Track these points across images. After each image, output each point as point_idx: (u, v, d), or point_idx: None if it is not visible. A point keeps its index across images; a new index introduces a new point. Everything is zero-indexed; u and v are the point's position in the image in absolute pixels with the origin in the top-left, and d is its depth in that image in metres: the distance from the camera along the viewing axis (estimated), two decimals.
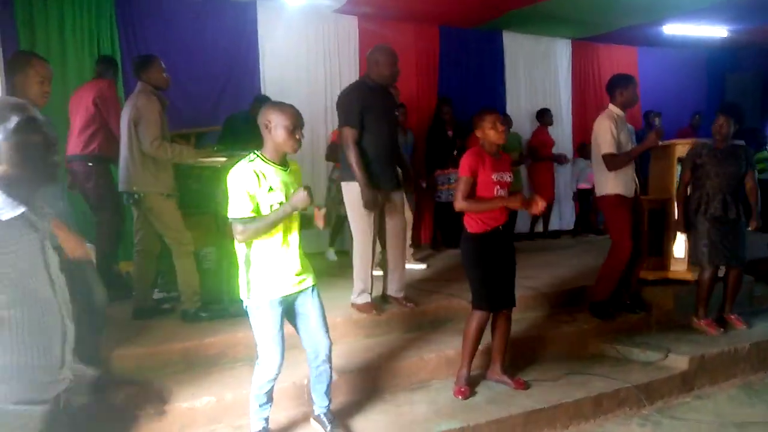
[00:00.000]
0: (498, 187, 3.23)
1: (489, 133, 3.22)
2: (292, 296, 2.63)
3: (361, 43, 6.59)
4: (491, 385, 3.46)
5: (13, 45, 4.68)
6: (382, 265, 4.16)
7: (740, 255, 4.27)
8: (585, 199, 7.80)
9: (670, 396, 3.64)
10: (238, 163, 2.54)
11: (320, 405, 2.86)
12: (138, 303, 3.97)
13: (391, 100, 4.09)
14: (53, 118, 3.02)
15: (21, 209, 1.38)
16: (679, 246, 4.64)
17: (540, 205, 3.16)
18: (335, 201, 5.25)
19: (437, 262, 5.88)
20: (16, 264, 1.34)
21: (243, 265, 2.57)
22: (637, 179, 4.21)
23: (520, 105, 7.86)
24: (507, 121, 6.71)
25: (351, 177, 3.80)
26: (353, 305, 3.95)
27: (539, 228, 7.63)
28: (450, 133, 6.46)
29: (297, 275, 2.62)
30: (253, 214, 2.47)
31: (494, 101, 7.34)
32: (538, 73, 8.08)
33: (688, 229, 4.29)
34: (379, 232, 4.00)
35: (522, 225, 7.44)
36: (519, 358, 3.80)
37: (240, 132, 5.02)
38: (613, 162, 4.03)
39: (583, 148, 7.79)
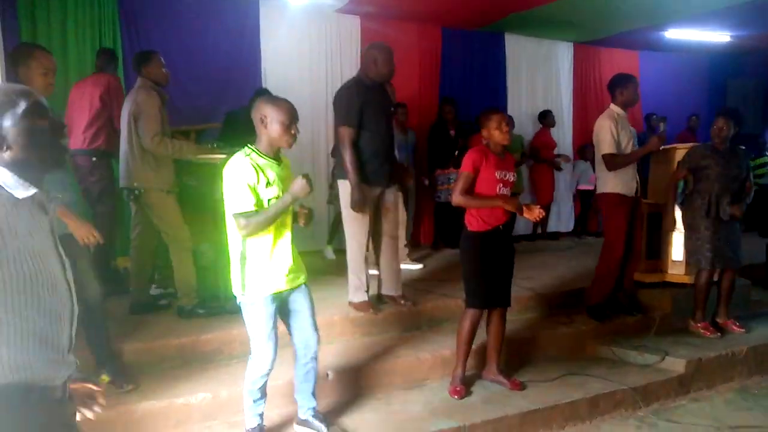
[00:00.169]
0: (501, 185, 3.23)
1: (494, 133, 3.22)
2: (285, 292, 2.62)
3: (363, 42, 6.58)
4: (487, 385, 3.46)
5: (14, 39, 4.67)
6: (377, 263, 4.16)
7: (739, 256, 4.28)
8: (586, 200, 7.80)
9: (666, 399, 3.65)
10: (234, 157, 2.52)
11: (308, 407, 2.83)
12: (135, 298, 3.98)
13: (387, 97, 4.10)
14: (54, 110, 3.01)
15: (33, 190, 1.41)
16: (677, 249, 4.64)
17: (536, 213, 3.17)
18: (338, 198, 5.24)
19: (435, 262, 5.88)
20: (28, 243, 1.36)
21: (237, 261, 2.55)
22: (638, 179, 4.22)
23: (521, 107, 7.86)
24: (510, 122, 6.71)
25: (346, 174, 3.81)
26: (350, 304, 3.95)
27: (538, 229, 7.65)
28: (452, 132, 6.47)
29: (291, 271, 2.62)
30: (255, 208, 2.46)
31: (496, 102, 7.33)
32: (540, 76, 8.09)
33: (689, 230, 4.27)
34: (373, 231, 4.00)
35: (522, 227, 7.45)
36: (515, 359, 3.79)
37: (240, 128, 5.00)
38: (612, 162, 4.04)
39: (583, 150, 7.80)
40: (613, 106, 4.17)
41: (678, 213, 4.38)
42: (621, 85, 4.13)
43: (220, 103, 5.80)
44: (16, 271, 1.32)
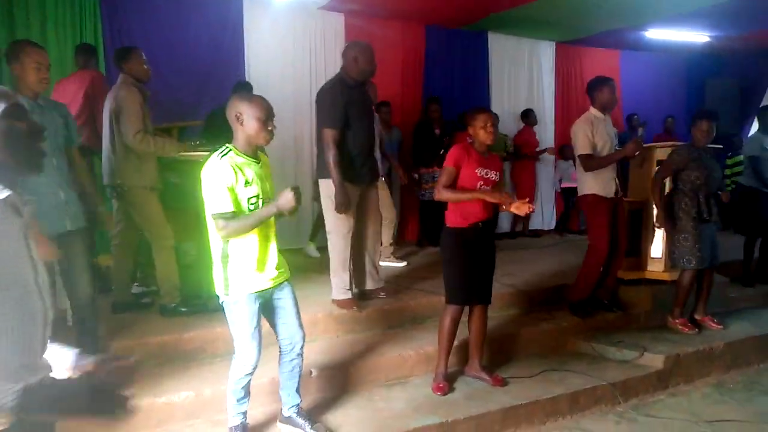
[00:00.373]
0: (482, 182, 3.26)
1: (479, 132, 3.26)
2: (269, 291, 2.62)
3: (347, 40, 6.55)
4: (469, 381, 3.49)
5: None
6: (356, 261, 4.16)
7: (718, 255, 4.36)
8: (569, 198, 7.87)
9: (645, 394, 3.71)
10: (211, 158, 2.48)
11: (292, 404, 2.83)
12: (117, 297, 3.94)
13: (367, 95, 4.12)
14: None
15: (6, 192, 1.39)
16: (657, 246, 4.71)
17: (525, 208, 3.12)
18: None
19: (419, 259, 5.90)
20: (1, 246, 1.34)
21: (219, 260, 2.52)
22: (617, 180, 4.27)
23: (504, 105, 7.90)
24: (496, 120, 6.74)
25: (328, 174, 3.81)
26: (334, 301, 3.96)
27: (519, 227, 7.71)
28: (437, 131, 6.49)
29: (275, 269, 2.61)
30: (234, 208, 2.44)
31: (479, 101, 7.36)
32: (522, 74, 8.14)
33: (676, 231, 4.28)
34: (355, 228, 4.01)
35: (505, 224, 7.51)
36: (497, 355, 3.83)
37: (223, 127, 4.97)
38: (587, 163, 4.12)
39: (563, 149, 7.86)
40: (591, 109, 4.24)
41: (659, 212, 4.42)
42: (597, 88, 4.20)
43: (203, 96, 5.76)
44: None
